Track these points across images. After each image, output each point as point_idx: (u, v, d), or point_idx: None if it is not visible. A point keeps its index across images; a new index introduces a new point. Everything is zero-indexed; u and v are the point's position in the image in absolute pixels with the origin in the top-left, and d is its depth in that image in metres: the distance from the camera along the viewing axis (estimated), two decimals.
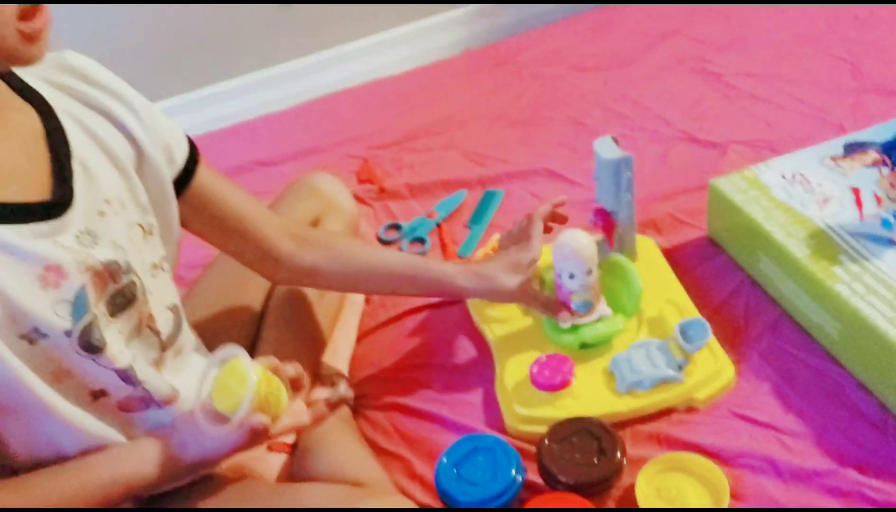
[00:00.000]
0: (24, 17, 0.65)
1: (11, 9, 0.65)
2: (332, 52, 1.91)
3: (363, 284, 1.01)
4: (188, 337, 0.86)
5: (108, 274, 0.74)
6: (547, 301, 0.98)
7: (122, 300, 0.76)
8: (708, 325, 0.94)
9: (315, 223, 1.09)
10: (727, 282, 1.06)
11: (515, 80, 1.56)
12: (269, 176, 1.47)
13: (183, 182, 0.86)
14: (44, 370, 0.71)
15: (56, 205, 0.72)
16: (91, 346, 0.72)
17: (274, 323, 1.03)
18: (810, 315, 0.96)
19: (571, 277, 0.95)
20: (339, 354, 1.08)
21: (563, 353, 0.97)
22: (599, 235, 1.07)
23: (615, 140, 1.03)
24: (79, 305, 0.71)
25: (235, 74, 1.87)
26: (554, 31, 1.68)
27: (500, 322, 1.05)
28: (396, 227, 1.28)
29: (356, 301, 1.14)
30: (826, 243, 0.97)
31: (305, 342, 1.03)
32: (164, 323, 0.81)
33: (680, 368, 0.93)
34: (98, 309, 0.73)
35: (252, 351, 0.99)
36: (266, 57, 1.87)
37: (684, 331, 0.94)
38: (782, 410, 0.90)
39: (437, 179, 1.35)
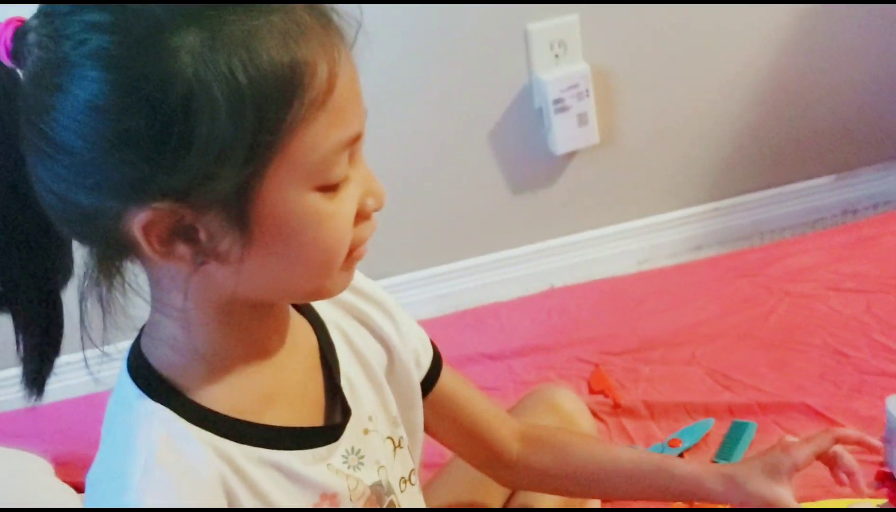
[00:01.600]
0: (353, 248, 0.64)
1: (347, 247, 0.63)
2: (558, 241, 1.90)
3: (598, 488, 0.95)
4: None
5: (376, 498, 0.72)
6: None
7: None
8: None
9: None
10: None
11: (764, 295, 1.46)
12: (495, 370, 1.43)
13: (427, 385, 0.85)
14: None
15: (334, 427, 0.71)
16: None
17: None
18: None
19: None
20: None
21: None
22: (885, 503, 0.93)
23: None
24: None
25: (461, 257, 1.88)
26: (804, 245, 1.57)
27: None
28: None
29: None
30: None
31: None
32: None
33: None
34: None
35: None
36: (493, 242, 1.88)
37: None
38: None
39: (678, 400, 1.25)
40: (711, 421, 1.20)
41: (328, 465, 0.69)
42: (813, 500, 1.00)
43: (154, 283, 0.64)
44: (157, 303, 0.65)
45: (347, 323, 0.78)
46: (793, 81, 1.85)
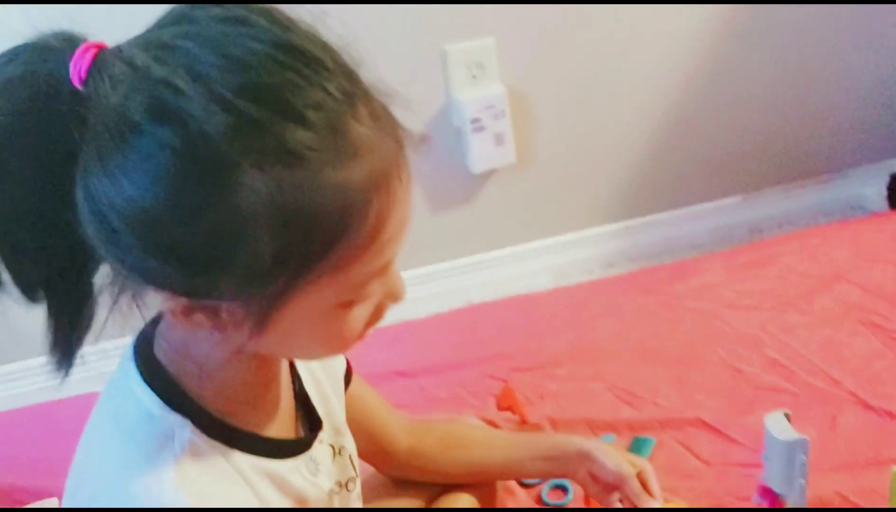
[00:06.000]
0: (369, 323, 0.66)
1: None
2: (475, 258, 1.93)
3: (479, 469, 1.03)
4: None
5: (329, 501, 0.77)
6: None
7: None
8: None
9: None
10: None
11: (666, 312, 1.51)
12: (408, 388, 1.45)
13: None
14: None
15: (307, 438, 0.76)
16: None
17: None
18: None
19: None
20: None
21: None
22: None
23: (788, 416, 0.96)
24: None
25: None
26: (708, 263, 1.64)
27: None
28: None
29: None
30: None
31: None
32: None
33: None
34: None
35: None
36: (412, 259, 1.90)
37: None
38: None
39: (582, 416, 1.29)
40: (612, 437, 1.24)
41: (300, 473, 0.74)
42: None
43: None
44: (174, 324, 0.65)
45: None
46: (701, 104, 1.92)
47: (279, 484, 0.70)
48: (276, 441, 0.71)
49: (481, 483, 1.07)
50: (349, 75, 0.59)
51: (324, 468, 0.77)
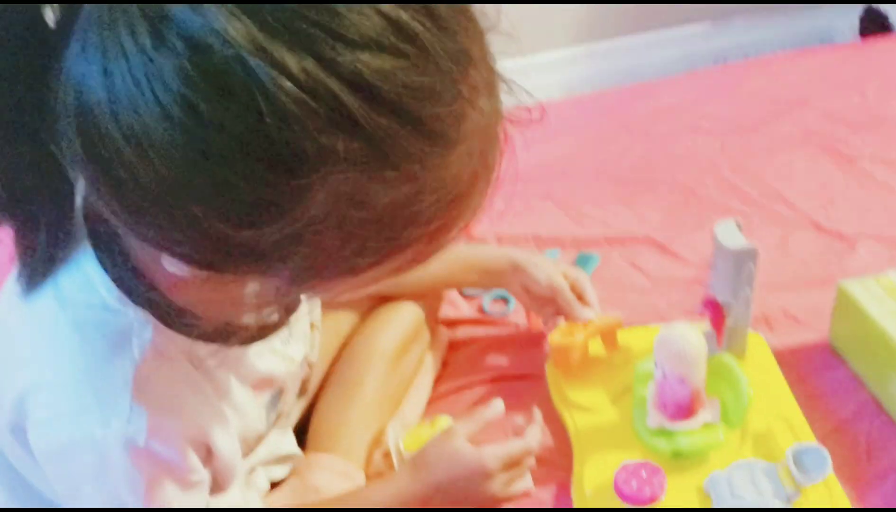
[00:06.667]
0: None
1: None
2: None
3: (412, 282, 0.98)
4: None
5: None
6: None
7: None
8: (828, 457, 0.81)
9: None
10: (848, 401, 0.93)
11: (623, 133, 1.45)
12: None
13: None
14: None
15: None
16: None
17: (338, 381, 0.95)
18: None
19: (673, 378, 0.84)
20: (405, 419, 0.99)
21: (652, 459, 0.85)
22: (707, 327, 0.95)
23: (739, 226, 0.92)
24: (270, 407, 0.75)
25: None
26: (671, 86, 1.57)
27: (585, 411, 0.94)
28: None
29: (429, 367, 1.04)
30: None
31: (372, 407, 0.95)
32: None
33: (789, 500, 0.81)
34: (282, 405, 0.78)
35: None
36: None
37: (798, 458, 0.82)
38: None
39: (528, 234, 1.25)
40: (557, 252, 1.21)
41: (272, 348, 0.71)
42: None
43: None
44: None
45: None
46: None
47: (245, 372, 0.67)
48: (250, 328, 0.65)
49: (424, 293, 1.04)
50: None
51: (296, 334, 0.74)
